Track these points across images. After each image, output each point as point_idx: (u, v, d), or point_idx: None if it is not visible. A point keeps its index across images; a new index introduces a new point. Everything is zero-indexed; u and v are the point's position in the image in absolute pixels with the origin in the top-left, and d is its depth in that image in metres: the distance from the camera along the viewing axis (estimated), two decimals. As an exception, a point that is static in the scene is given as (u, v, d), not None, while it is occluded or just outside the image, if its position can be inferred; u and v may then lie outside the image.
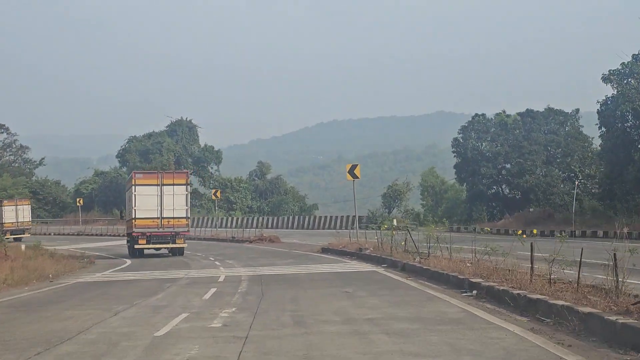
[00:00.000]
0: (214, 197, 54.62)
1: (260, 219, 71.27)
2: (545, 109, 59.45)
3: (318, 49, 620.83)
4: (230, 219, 73.09)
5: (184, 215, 32.81)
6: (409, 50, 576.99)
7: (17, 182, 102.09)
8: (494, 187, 60.40)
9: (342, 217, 62.58)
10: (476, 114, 59.94)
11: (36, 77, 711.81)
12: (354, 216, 64.45)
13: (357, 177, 31.24)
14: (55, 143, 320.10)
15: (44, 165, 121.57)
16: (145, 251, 33.64)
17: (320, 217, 65.47)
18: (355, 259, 26.99)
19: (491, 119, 59.81)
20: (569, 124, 59.01)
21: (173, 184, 32.36)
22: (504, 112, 59.78)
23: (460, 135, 59.77)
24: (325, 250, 33.04)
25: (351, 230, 35.51)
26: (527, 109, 59.02)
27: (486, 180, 58.69)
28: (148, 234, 32.30)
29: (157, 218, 32.04)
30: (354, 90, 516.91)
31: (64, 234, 72.22)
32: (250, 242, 46.92)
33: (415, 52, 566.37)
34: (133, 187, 32.56)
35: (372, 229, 30.57)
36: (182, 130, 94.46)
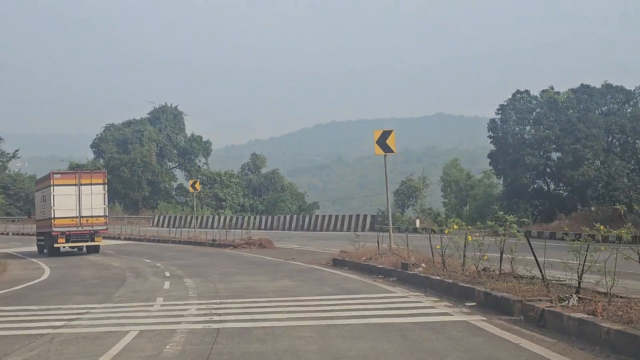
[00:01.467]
0: (192, 189, 43.35)
1: (252, 218, 60.00)
2: (602, 85, 48.07)
3: (317, 50, 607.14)
4: (217, 218, 61.81)
5: (102, 214, 33.45)
6: (409, 52, 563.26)
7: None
8: (538, 180, 49.11)
9: (352, 216, 51.27)
10: (517, 91, 48.46)
11: (30, 77, 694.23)
12: (367, 215, 53.44)
13: (392, 151, 19.96)
14: (54, 142, 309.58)
15: (18, 157, 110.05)
16: (61, 249, 33.59)
17: (323, 217, 54.07)
18: (398, 283, 15.68)
19: (536, 96, 48.38)
20: (631, 103, 47.72)
21: (91, 184, 32.74)
22: (552, 88, 48.35)
23: (499, 116, 48.33)
24: (339, 263, 21.78)
25: (380, 234, 24.02)
26: (581, 84, 47.61)
27: (530, 173, 47.46)
28: (67, 232, 32.43)
29: (76, 217, 32.48)
30: (353, 91, 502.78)
31: (22, 234, 60.99)
32: (235, 247, 35.79)
33: (415, 53, 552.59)
34: (51, 187, 32.43)
35: (426, 232, 18.79)
36: (167, 117, 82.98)
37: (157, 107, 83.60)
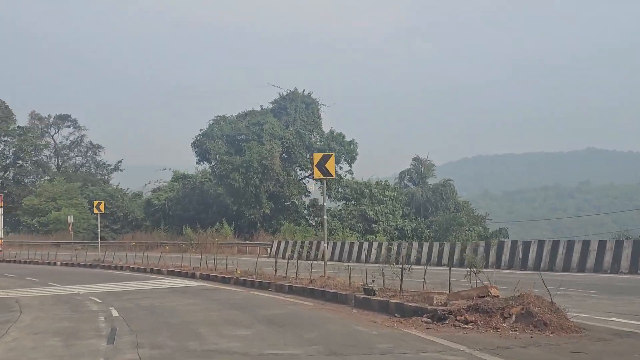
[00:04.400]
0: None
1: (426, 246, 34.91)
2: None
3: (461, 82, 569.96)
4: (365, 246, 37.39)
5: None
6: (560, 87, 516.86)
7: (69, 188, 72.01)
8: None
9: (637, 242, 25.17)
10: None
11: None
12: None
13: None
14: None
15: (121, 170, 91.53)
16: None
17: (570, 244, 28.10)
18: None
19: None
20: None
21: None
22: None
23: None
24: None
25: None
26: None
27: None
28: None
29: None
30: (499, 125, 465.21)
31: (78, 265, 40.07)
32: (444, 317, 11.22)
33: (567, 87, 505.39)
34: None
35: None
36: (296, 107, 59.79)
37: (284, 93, 60.63)
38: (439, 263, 31.25)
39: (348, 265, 18.46)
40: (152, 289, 22.65)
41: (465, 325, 11.17)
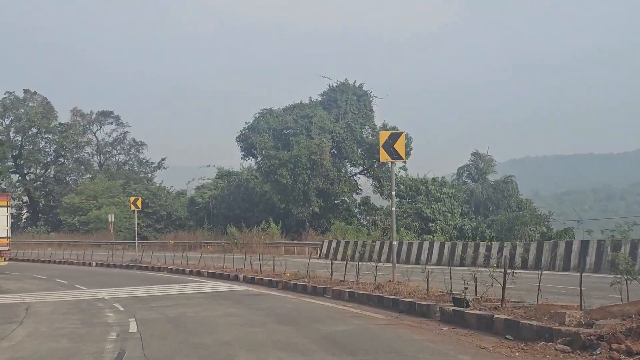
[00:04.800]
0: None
1: (497, 246, 30.88)
2: None
3: (508, 86, 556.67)
4: (426, 246, 33.60)
5: (5, 235, 32.91)
6: (609, 87, 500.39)
7: (111, 186, 69.63)
8: None
9: None
10: None
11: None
12: None
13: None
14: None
15: (165, 168, 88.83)
16: None
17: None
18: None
19: None
20: None
21: None
22: None
23: None
24: None
25: None
26: None
27: None
28: None
29: None
30: (547, 126, 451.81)
31: (114, 266, 37.18)
32: (591, 344, 7.48)
33: (615, 88, 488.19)
34: None
35: None
36: (347, 99, 55.99)
37: (334, 85, 56.88)
38: (511, 264, 27.19)
39: (425, 268, 14.79)
40: (187, 294, 19.38)
41: (629, 358, 7.49)
